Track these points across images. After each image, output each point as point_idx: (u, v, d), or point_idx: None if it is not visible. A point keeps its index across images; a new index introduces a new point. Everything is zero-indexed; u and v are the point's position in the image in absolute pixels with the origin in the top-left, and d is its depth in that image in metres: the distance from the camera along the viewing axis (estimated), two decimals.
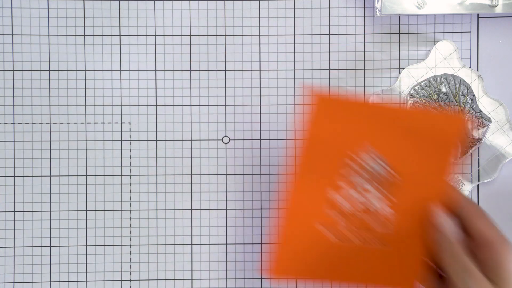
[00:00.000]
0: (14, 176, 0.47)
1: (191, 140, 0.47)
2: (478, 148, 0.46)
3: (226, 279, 0.47)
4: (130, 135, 0.47)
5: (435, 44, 0.47)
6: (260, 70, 0.47)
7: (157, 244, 0.47)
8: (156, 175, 0.47)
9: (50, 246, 0.47)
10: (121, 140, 0.47)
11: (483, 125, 0.46)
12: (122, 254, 0.47)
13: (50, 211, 0.47)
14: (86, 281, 0.47)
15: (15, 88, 0.47)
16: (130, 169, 0.47)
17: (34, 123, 0.47)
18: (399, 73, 0.47)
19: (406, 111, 0.39)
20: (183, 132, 0.47)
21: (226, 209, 0.47)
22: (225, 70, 0.47)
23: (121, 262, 0.47)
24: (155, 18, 0.47)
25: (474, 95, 0.46)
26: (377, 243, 0.39)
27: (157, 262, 0.47)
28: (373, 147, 0.38)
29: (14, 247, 0.47)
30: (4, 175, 0.47)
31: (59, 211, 0.47)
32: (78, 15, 0.47)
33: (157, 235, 0.47)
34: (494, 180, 0.47)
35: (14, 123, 0.47)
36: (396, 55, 0.47)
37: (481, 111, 0.46)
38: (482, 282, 0.34)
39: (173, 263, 0.47)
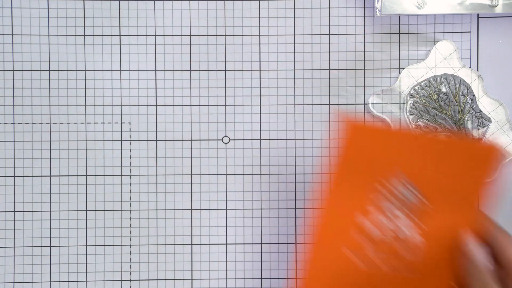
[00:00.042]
0: (14, 176, 0.47)
1: (191, 140, 0.47)
2: None
3: (226, 279, 0.47)
4: (130, 135, 0.47)
5: (435, 44, 0.47)
6: (260, 70, 0.47)
7: (157, 244, 0.47)
8: (156, 175, 0.47)
9: (50, 246, 0.47)
10: (121, 140, 0.47)
11: (483, 125, 0.46)
12: (122, 254, 0.47)
13: (50, 211, 0.47)
14: (86, 281, 0.47)
15: (15, 88, 0.47)
16: (130, 169, 0.47)
17: (34, 123, 0.47)
18: (399, 73, 0.47)
19: (438, 139, 0.39)
20: (183, 132, 0.47)
21: (226, 209, 0.47)
22: (225, 70, 0.47)
23: (121, 262, 0.47)
24: (155, 18, 0.47)
25: (474, 95, 0.46)
26: (406, 271, 0.38)
27: (157, 262, 0.47)
28: (404, 173, 0.38)
29: (14, 247, 0.47)
30: (4, 175, 0.47)
31: (59, 211, 0.47)
32: (78, 15, 0.47)
33: (157, 235, 0.47)
34: (494, 180, 0.47)
35: (14, 123, 0.47)
36: (396, 55, 0.47)
37: (481, 111, 0.46)
38: None
39: (173, 263, 0.47)
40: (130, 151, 0.47)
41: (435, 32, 0.47)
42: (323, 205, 0.39)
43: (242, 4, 0.47)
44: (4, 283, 0.47)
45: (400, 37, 0.47)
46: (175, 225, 0.47)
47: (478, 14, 0.47)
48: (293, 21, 0.47)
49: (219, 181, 0.47)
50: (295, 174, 0.47)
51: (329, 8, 0.47)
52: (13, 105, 0.47)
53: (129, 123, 0.47)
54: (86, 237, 0.47)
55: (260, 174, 0.47)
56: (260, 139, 0.47)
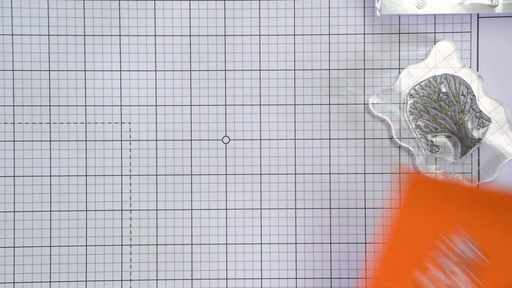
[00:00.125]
0: (14, 176, 0.47)
1: (191, 140, 0.47)
2: (478, 148, 0.46)
3: (226, 279, 0.47)
4: (130, 135, 0.47)
5: (435, 44, 0.47)
6: (260, 70, 0.47)
7: (157, 244, 0.47)
8: (156, 175, 0.47)
9: (50, 246, 0.47)
10: (121, 140, 0.47)
11: (483, 125, 0.46)
12: (122, 254, 0.47)
13: (50, 211, 0.47)
14: (86, 281, 0.47)
15: (15, 88, 0.47)
16: (130, 169, 0.47)
17: (34, 123, 0.47)
18: (399, 73, 0.47)
19: (500, 194, 0.39)
20: (183, 132, 0.47)
21: (226, 209, 0.47)
22: (225, 70, 0.47)
23: (121, 262, 0.47)
24: (155, 18, 0.47)
25: (474, 95, 0.46)
26: None
27: (157, 262, 0.47)
28: (465, 230, 0.38)
29: (14, 247, 0.47)
30: (4, 175, 0.47)
31: (59, 211, 0.47)
32: (78, 15, 0.47)
33: (157, 235, 0.47)
34: (494, 180, 0.47)
35: (14, 123, 0.47)
36: (396, 55, 0.47)
37: (481, 111, 0.46)
38: None
39: (173, 263, 0.47)
40: (130, 151, 0.47)
41: (435, 32, 0.47)
42: (381, 257, 0.38)
43: (242, 4, 0.47)
44: (4, 283, 0.47)
45: (400, 37, 0.47)
46: (175, 225, 0.47)
47: (478, 14, 0.47)
48: (293, 21, 0.47)
49: (219, 181, 0.47)
50: (295, 174, 0.47)
51: (329, 8, 0.47)
52: (13, 105, 0.47)
53: (129, 123, 0.47)
54: (86, 237, 0.47)
55: (260, 174, 0.47)
56: (260, 139, 0.47)
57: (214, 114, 0.47)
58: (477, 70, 0.47)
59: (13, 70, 0.47)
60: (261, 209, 0.47)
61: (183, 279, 0.47)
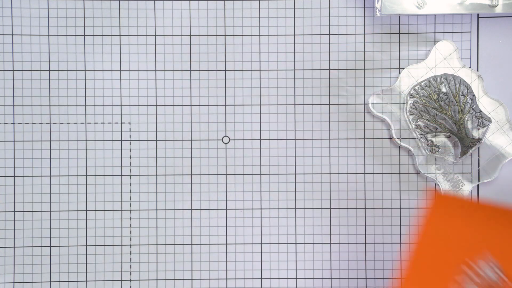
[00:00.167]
0: (14, 176, 0.47)
1: (191, 140, 0.47)
2: (478, 148, 0.46)
3: (226, 279, 0.47)
4: (130, 135, 0.47)
5: (435, 44, 0.47)
6: (260, 70, 0.47)
7: (157, 244, 0.47)
8: (156, 175, 0.47)
9: (50, 246, 0.47)
10: (121, 140, 0.47)
11: (483, 125, 0.46)
12: (122, 254, 0.47)
13: (50, 211, 0.47)
14: (86, 281, 0.47)
15: (15, 88, 0.47)
16: (130, 169, 0.47)
17: (34, 123, 0.47)
18: (399, 73, 0.47)
19: None
20: (183, 132, 0.47)
21: (226, 209, 0.47)
22: (225, 70, 0.47)
23: (121, 262, 0.47)
24: (155, 18, 0.47)
25: (474, 95, 0.46)
26: None
27: (157, 262, 0.47)
28: (491, 254, 0.37)
29: (14, 247, 0.47)
30: (4, 175, 0.47)
31: (59, 211, 0.47)
32: (78, 15, 0.47)
33: (157, 235, 0.47)
34: (494, 180, 0.47)
35: (14, 123, 0.47)
36: (396, 55, 0.47)
37: (481, 111, 0.46)
38: None
39: (173, 263, 0.47)
40: (130, 151, 0.47)
41: (435, 32, 0.47)
42: (404, 280, 0.37)
43: (242, 4, 0.47)
44: (4, 283, 0.47)
45: (400, 37, 0.47)
46: (175, 225, 0.47)
47: (478, 14, 0.47)
48: (293, 21, 0.47)
49: (219, 181, 0.47)
50: (295, 174, 0.47)
51: (329, 8, 0.47)
52: (13, 105, 0.47)
53: (129, 123, 0.47)
54: (86, 237, 0.47)
55: (260, 174, 0.47)
56: (260, 139, 0.47)
57: (214, 114, 0.47)
58: (477, 70, 0.47)
59: (13, 70, 0.47)
60: (261, 209, 0.47)
61: (183, 279, 0.47)
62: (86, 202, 0.47)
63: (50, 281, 0.47)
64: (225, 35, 0.47)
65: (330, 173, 0.47)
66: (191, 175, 0.47)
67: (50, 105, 0.47)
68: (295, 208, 0.47)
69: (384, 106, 0.46)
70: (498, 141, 0.46)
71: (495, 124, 0.46)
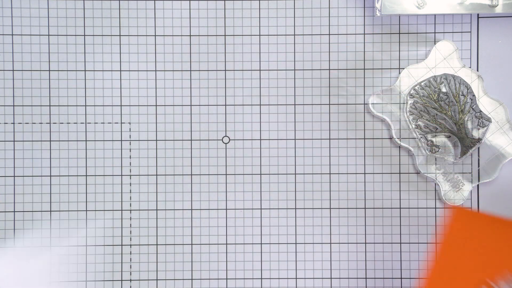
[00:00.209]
0: (14, 176, 0.47)
1: (191, 140, 0.47)
2: (478, 148, 0.46)
3: (226, 279, 0.47)
4: (130, 135, 0.47)
5: (435, 44, 0.47)
6: (260, 70, 0.47)
7: (157, 244, 0.47)
8: (156, 175, 0.47)
9: (50, 246, 0.47)
10: (121, 140, 0.47)
11: (483, 125, 0.46)
12: (122, 254, 0.47)
13: (50, 211, 0.47)
14: (86, 281, 0.47)
15: (15, 88, 0.47)
16: (130, 169, 0.47)
17: (34, 123, 0.47)
18: (399, 73, 0.47)
19: None
20: (183, 132, 0.47)
21: (226, 209, 0.47)
22: (225, 70, 0.47)
23: (121, 262, 0.47)
24: (155, 18, 0.47)
25: (474, 95, 0.46)
26: None
27: (157, 262, 0.47)
28: (510, 272, 0.36)
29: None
30: (4, 175, 0.47)
31: (59, 211, 0.47)
32: (78, 15, 0.47)
33: (157, 235, 0.47)
34: (494, 180, 0.47)
35: (14, 123, 0.47)
36: (396, 55, 0.47)
37: (481, 111, 0.46)
38: None
39: (173, 263, 0.47)
40: (130, 151, 0.47)
41: (435, 32, 0.47)
42: None
43: (242, 4, 0.47)
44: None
45: (400, 37, 0.47)
46: (175, 225, 0.47)
47: (478, 14, 0.47)
48: (293, 21, 0.47)
49: (219, 181, 0.47)
50: (295, 174, 0.47)
51: (329, 8, 0.47)
52: (13, 105, 0.47)
53: (129, 123, 0.47)
54: (86, 237, 0.47)
55: (260, 174, 0.47)
56: (260, 139, 0.47)
57: (214, 114, 0.47)
58: (477, 70, 0.47)
59: (13, 70, 0.47)
60: (261, 209, 0.47)
61: (183, 279, 0.47)
62: (86, 202, 0.47)
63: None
64: (225, 35, 0.47)
65: (330, 173, 0.47)
66: (191, 175, 0.47)
67: (50, 105, 0.47)
68: (295, 208, 0.47)
69: (384, 106, 0.46)
70: (498, 141, 0.46)
71: (495, 124, 0.46)
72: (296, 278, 0.47)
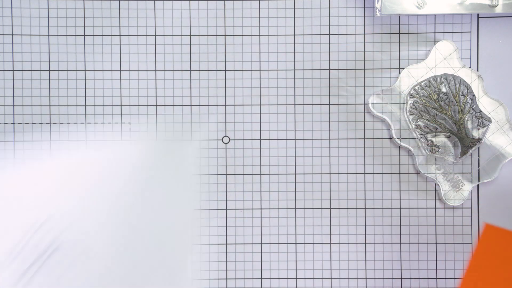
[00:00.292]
0: None
1: (191, 140, 0.47)
2: (478, 148, 0.46)
3: (226, 279, 0.47)
4: (130, 135, 0.47)
5: (435, 44, 0.47)
6: (260, 70, 0.47)
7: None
8: None
9: None
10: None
11: (483, 125, 0.46)
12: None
13: None
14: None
15: (15, 88, 0.47)
16: None
17: (34, 123, 0.47)
18: (399, 73, 0.47)
19: None
20: (183, 132, 0.47)
21: (226, 209, 0.47)
22: (225, 70, 0.47)
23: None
24: (155, 18, 0.47)
25: (474, 95, 0.46)
26: None
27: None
28: None
29: None
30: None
31: None
32: (78, 15, 0.47)
33: None
34: (494, 180, 0.47)
35: (14, 123, 0.47)
36: (396, 55, 0.47)
37: (481, 111, 0.46)
38: None
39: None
40: None
41: (435, 32, 0.47)
42: None
43: (242, 4, 0.47)
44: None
45: (400, 37, 0.47)
46: None
47: (478, 14, 0.47)
48: (293, 21, 0.47)
49: (219, 181, 0.47)
50: (295, 174, 0.47)
51: (329, 8, 0.47)
52: (13, 105, 0.47)
53: (129, 123, 0.47)
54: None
55: (260, 174, 0.47)
56: (260, 139, 0.47)
57: (214, 114, 0.47)
58: (477, 70, 0.47)
59: (13, 70, 0.47)
60: (261, 209, 0.47)
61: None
62: None
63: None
64: (225, 35, 0.47)
65: (330, 173, 0.47)
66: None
67: (50, 105, 0.47)
68: (295, 208, 0.47)
69: (384, 106, 0.46)
70: (498, 141, 0.46)
71: (495, 124, 0.46)
72: (296, 278, 0.47)
